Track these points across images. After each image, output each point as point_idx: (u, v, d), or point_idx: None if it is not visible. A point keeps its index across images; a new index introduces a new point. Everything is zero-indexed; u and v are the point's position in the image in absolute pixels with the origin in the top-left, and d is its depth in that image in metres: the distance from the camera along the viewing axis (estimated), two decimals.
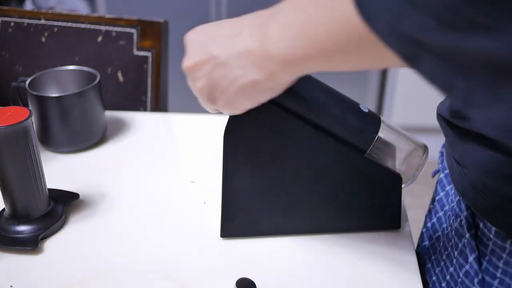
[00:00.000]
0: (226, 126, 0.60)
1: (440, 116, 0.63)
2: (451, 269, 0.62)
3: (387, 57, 0.39)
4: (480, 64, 0.33)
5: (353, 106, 0.63)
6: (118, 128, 0.90)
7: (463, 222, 0.59)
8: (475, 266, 0.57)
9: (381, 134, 0.62)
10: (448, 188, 0.69)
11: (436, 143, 1.03)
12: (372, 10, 0.38)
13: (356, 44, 0.41)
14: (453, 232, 0.63)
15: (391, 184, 0.63)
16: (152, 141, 0.88)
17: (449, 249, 0.63)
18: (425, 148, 0.65)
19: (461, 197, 0.60)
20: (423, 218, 0.76)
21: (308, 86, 0.61)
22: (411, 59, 0.36)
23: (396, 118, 2.25)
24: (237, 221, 0.64)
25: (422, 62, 0.36)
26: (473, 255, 0.57)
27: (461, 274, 0.59)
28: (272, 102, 0.60)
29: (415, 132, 0.94)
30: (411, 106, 2.22)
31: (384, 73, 2.24)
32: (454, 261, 0.61)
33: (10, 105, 0.81)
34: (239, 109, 0.56)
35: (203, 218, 0.69)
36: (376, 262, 0.62)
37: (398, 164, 0.63)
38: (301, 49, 0.45)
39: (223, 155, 0.61)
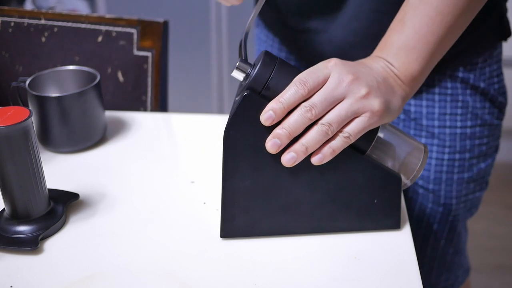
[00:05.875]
0: (226, 126, 0.60)
1: None
2: None
3: None
4: None
5: None
6: (118, 128, 0.90)
7: None
8: None
9: (381, 134, 0.62)
10: None
11: None
12: None
13: None
14: None
15: (391, 184, 0.63)
16: (152, 141, 0.88)
17: None
18: (424, 149, 0.65)
19: None
20: None
21: None
22: None
23: None
24: (237, 221, 0.64)
25: None
26: None
27: None
28: None
29: None
30: None
31: None
32: None
33: (10, 105, 0.81)
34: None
35: (203, 218, 0.69)
36: (376, 262, 0.62)
37: (398, 164, 0.64)
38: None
39: (223, 155, 0.61)
